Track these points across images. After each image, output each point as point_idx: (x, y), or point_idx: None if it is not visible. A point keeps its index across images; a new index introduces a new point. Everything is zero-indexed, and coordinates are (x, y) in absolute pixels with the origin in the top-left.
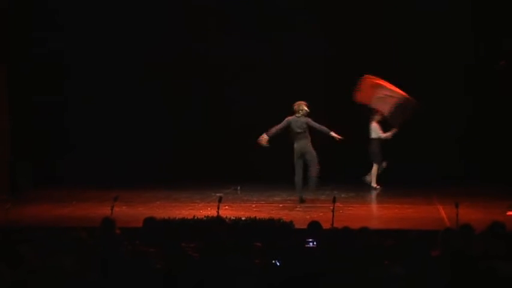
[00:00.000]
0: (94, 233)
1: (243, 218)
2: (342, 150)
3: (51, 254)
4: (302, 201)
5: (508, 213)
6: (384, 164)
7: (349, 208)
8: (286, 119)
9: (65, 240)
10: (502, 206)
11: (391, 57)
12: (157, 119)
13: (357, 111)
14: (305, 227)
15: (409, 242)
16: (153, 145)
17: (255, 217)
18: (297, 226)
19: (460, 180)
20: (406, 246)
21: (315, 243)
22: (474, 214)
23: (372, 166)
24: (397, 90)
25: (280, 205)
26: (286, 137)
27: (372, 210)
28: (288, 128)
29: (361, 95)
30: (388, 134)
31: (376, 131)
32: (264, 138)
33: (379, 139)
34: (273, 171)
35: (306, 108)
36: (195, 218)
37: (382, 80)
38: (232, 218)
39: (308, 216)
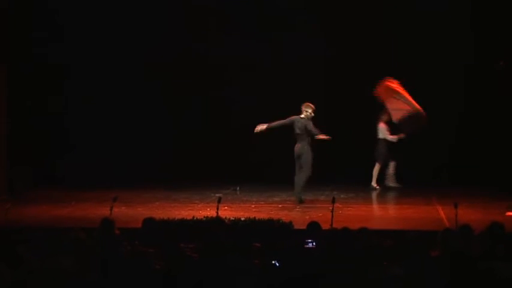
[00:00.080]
0: (93, 234)
1: (242, 219)
2: (342, 151)
3: (50, 254)
4: (301, 201)
5: (507, 214)
6: (392, 168)
7: (349, 209)
8: (291, 117)
9: (64, 240)
10: (501, 206)
11: (391, 57)
12: (157, 119)
13: (357, 111)
14: (304, 227)
15: (409, 242)
16: (153, 145)
17: (254, 218)
18: (296, 227)
19: (459, 181)
20: (405, 247)
21: (314, 243)
22: (473, 215)
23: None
24: (412, 101)
25: (280, 206)
26: (286, 137)
27: (371, 211)
28: (291, 126)
29: (380, 93)
30: (394, 137)
31: (383, 131)
32: (263, 126)
33: (385, 140)
34: (272, 171)
35: (310, 112)
36: (194, 218)
37: (401, 88)
38: (232, 218)
39: (307, 217)
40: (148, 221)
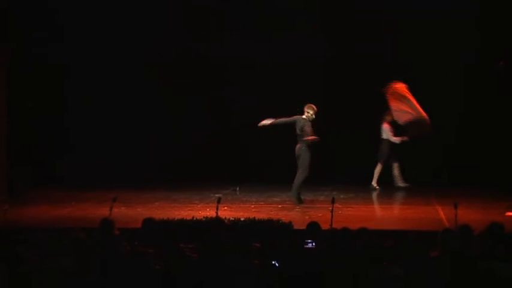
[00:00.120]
0: (93, 234)
1: (242, 219)
2: (342, 151)
3: (50, 254)
4: (300, 202)
5: (506, 214)
6: (396, 169)
7: (348, 209)
8: (295, 116)
9: (64, 240)
10: (501, 206)
11: (391, 57)
12: (157, 119)
13: (357, 111)
14: (304, 227)
15: (408, 242)
16: (153, 145)
17: (254, 218)
18: (296, 227)
19: (459, 181)
20: (405, 247)
21: (314, 244)
22: (473, 215)
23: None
24: (418, 107)
25: (279, 206)
26: (285, 137)
27: (371, 211)
28: (293, 125)
29: (387, 95)
30: (396, 139)
31: (386, 132)
32: (268, 121)
33: (389, 140)
34: (272, 171)
35: (312, 113)
36: (194, 218)
37: (409, 93)
38: (231, 218)
39: (307, 217)
40: (148, 221)
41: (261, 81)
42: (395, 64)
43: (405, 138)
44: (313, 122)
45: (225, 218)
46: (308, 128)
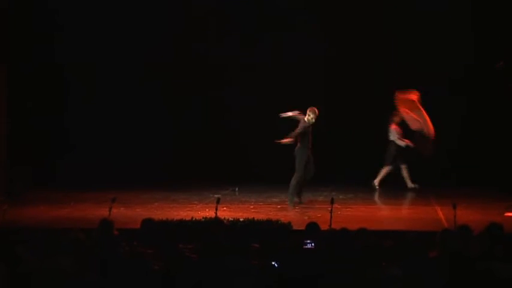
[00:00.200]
0: (92, 234)
1: (241, 219)
2: (341, 151)
3: (49, 254)
4: (300, 201)
5: (505, 215)
6: (405, 171)
7: (347, 209)
8: (300, 115)
9: (63, 241)
10: (500, 207)
11: (391, 57)
12: (157, 119)
13: (357, 112)
14: (303, 228)
15: (407, 243)
16: (152, 145)
17: (253, 218)
18: (295, 227)
19: (458, 181)
20: (404, 247)
21: (313, 244)
22: (472, 215)
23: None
24: (428, 121)
25: (278, 206)
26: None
27: (370, 211)
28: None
29: (399, 102)
30: (401, 142)
31: (393, 133)
32: (288, 114)
33: (395, 142)
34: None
35: (312, 117)
36: (193, 219)
37: (420, 104)
38: (231, 219)
39: (306, 217)
40: (147, 222)
41: (261, 81)
42: (396, 64)
43: (410, 144)
44: (313, 123)
45: (224, 218)
46: (299, 130)
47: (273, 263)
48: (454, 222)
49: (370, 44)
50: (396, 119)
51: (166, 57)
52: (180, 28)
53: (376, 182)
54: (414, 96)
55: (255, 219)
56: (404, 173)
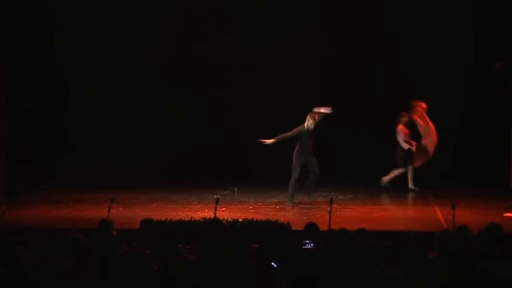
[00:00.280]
0: (91, 235)
1: (240, 220)
2: (341, 151)
3: (48, 255)
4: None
5: (504, 215)
6: (411, 171)
7: (346, 210)
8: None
9: (62, 241)
10: (499, 207)
11: (391, 57)
12: (157, 119)
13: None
14: (302, 228)
15: (406, 243)
16: (152, 145)
17: (252, 219)
18: (294, 228)
19: (458, 182)
20: (403, 248)
21: (312, 244)
22: (471, 216)
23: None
24: (433, 133)
25: (278, 207)
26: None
27: (369, 212)
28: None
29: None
30: (405, 145)
31: (399, 134)
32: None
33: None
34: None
35: (310, 122)
36: (192, 219)
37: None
38: (230, 219)
39: (305, 218)
40: (146, 222)
41: (261, 81)
42: (396, 64)
43: (413, 146)
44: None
45: (223, 218)
46: (290, 133)
47: (273, 263)
48: (453, 222)
49: (370, 44)
50: (404, 119)
51: (166, 57)
52: (180, 28)
53: (386, 179)
54: (423, 105)
55: (254, 219)
56: (410, 174)
